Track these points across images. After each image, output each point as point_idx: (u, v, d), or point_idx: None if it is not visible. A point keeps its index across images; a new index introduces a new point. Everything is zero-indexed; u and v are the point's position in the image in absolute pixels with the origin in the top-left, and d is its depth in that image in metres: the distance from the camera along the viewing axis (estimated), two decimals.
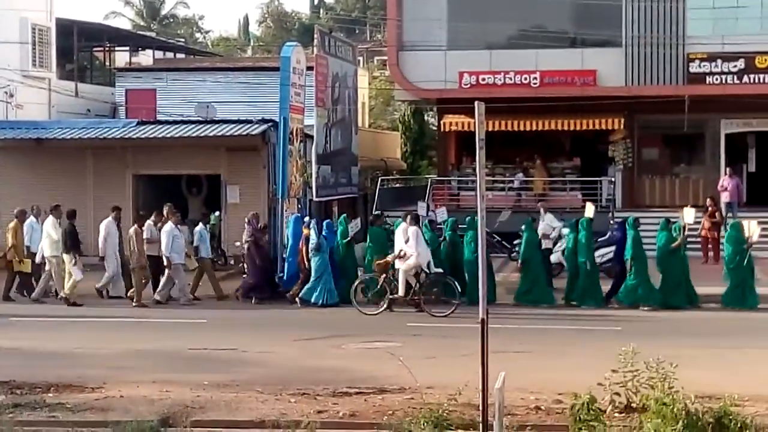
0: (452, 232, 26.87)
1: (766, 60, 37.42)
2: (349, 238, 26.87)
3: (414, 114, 57.69)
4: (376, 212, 30.54)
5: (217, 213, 33.52)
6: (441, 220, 29.20)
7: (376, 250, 26.36)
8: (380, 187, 40.93)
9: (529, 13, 39.12)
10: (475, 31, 38.51)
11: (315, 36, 34.84)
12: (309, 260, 25.85)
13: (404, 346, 19.76)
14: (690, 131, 38.76)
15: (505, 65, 38.66)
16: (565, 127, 38.61)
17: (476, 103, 12.75)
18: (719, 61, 37.75)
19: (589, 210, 27.11)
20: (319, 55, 34.23)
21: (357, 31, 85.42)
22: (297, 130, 31.18)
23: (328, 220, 27.56)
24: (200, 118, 37.37)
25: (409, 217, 25.57)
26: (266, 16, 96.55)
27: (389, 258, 24.99)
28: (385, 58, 48.18)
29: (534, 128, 38.56)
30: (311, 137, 33.15)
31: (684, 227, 25.86)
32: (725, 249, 25.98)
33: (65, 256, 26.09)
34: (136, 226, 26.65)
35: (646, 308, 24.80)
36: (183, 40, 79.18)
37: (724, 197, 35.78)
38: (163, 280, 26.37)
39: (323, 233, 25.94)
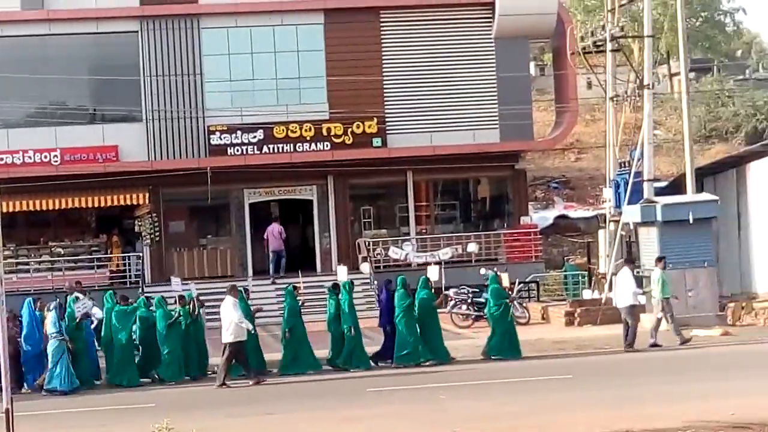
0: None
1: (283, 130, 38.51)
2: (78, 320, 24.72)
3: None
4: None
5: None
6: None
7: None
8: None
9: (46, 90, 38.37)
10: None
11: None
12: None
13: None
14: (215, 203, 39.35)
15: (23, 144, 37.67)
16: (89, 204, 37.98)
17: None
18: (239, 133, 38.48)
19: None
20: None
21: None
22: None
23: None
24: None
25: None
26: None
27: None
28: None
29: (57, 207, 37.63)
30: None
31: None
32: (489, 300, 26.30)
33: None
34: None
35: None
36: None
37: (272, 246, 37.13)
38: None
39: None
